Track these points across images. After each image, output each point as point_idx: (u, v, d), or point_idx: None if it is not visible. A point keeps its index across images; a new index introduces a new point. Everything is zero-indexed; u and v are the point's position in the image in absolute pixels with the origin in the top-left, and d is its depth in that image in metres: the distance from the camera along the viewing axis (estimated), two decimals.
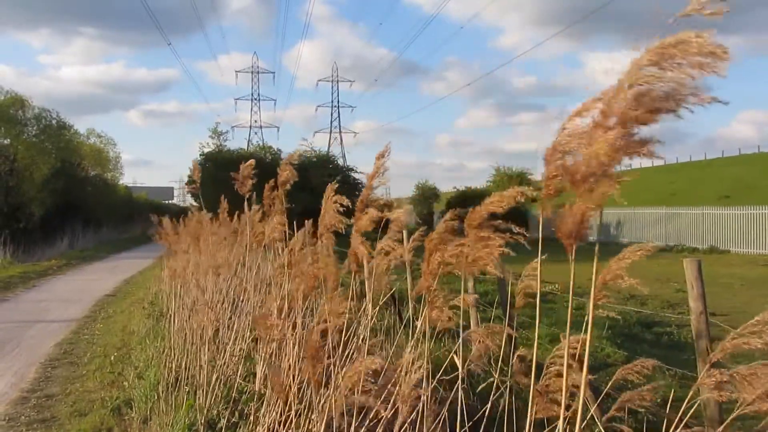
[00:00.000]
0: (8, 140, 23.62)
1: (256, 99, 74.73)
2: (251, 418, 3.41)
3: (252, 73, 74.99)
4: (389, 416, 2.36)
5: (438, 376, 2.48)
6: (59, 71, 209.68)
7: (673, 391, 2.19)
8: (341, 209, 3.12)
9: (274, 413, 2.99)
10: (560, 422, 1.82)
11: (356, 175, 30.74)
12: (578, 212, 1.58)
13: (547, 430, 2.15)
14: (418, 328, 2.49)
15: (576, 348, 1.97)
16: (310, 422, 2.77)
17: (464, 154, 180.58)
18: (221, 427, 3.67)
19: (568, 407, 1.82)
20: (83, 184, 29.64)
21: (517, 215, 2.24)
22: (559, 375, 1.89)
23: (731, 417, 1.53)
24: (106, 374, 5.86)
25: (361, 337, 3.22)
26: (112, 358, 6.44)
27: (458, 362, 2.35)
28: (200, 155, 30.07)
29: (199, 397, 4.05)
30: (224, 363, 4.31)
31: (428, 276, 2.17)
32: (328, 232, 3.15)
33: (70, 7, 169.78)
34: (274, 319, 3.11)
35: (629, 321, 8.21)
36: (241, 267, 5.47)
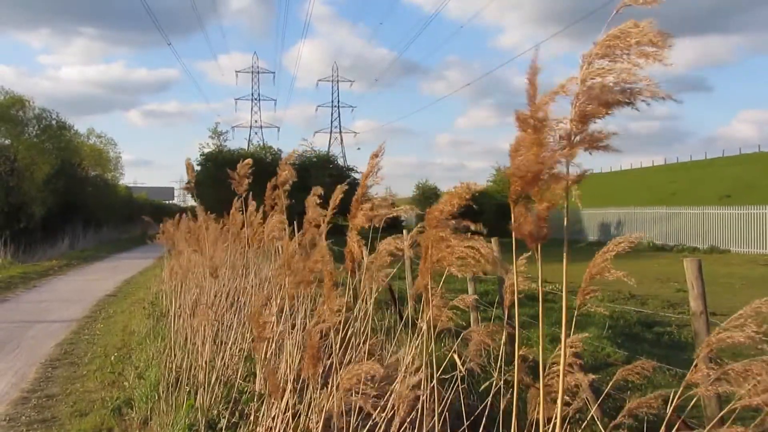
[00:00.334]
0: (9, 140, 23.64)
1: (256, 99, 74.80)
2: (251, 418, 3.41)
3: (252, 73, 75.05)
4: (389, 416, 2.36)
5: (437, 376, 2.47)
6: (59, 71, 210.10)
7: (673, 391, 2.19)
8: (331, 206, 3.13)
9: (274, 413, 2.98)
10: (558, 421, 1.82)
11: (356, 175, 30.78)
12: (533, 213, 1.58)
13: (547, 428, 2.15)
14: (417, 327, 2.49)
15: (575, 347, 1.97)
16: (309, 422, 2.77)
17: (464, 153, 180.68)
18: (221, 427, 3.67)
19: (568, 405, 1.82)
20: (84, 185, 29.66)
21: (473, 213, 2.24)
22: (557, 375, 1.90)
23: (725, 410, 1.53)
24: (107, 374, 5.86)
25: (361, 336, 3.22)
26: (113, 358, 6.45)
27: (458, 361, 2.35)
28: (200, 155, 30.15)
29: (199, 397, 4.05)
30: (224, 363, 4.32)
31: (425, 273, 2.17)
32: (313, 227, 3.16)
33: (70, 7, 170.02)
34: (268, 316, 3.10)
35: (630, 320, 8.21)
36: (241, 267, 5.47)
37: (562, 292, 1.64)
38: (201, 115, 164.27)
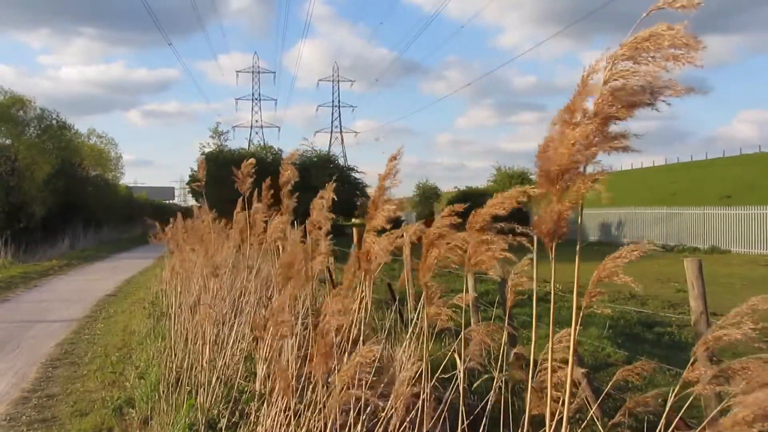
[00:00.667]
0: (9, 140, 23.65)
1: (256, 99, 74.88)
2: (252, 417, 3.42)
3: (252, 72, 75.13)
4: (388, 414, 2.36)
5: (437, 375, 2.48)
6: (59, 71, 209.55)
7: (672, 390, 2.19)
8: (332, 206, 3.14)
9: (274, 412, 2.99)
10: (547, 413, 1.82)
11: (357, 175, 30.77)
12: (555, 211, 1.58)
13: (550, 426, 2.15)
14: (416, 326, 2.49)
15: (569, 344, 1.97)
16: (310, 421, 2.77)
17: (465, 153, 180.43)
18: (222, 427, 3.67)
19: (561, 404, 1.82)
20: (84, 184, 29.66)
21: (521, 216, 2.21)
22: (552, 371, 1.90)
23: (720, 406, 1.53)
24: (107, 374, 5.87)
25: (361, 336, 3.22)
26: (113, 358, 6.45)
27: (458, 360, 2.35)
28: (201, 155, 30.10)
29: (199, 397, 4.05)
30: (225, 363, 4.32)
31: (426, 271, 2.17)
32: (317, 229, 3.17)
33: (69, 7, 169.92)
34: (276, 319, 3.11)
35: (630, 321, 8.21)
36: (244, 267, 5.47)
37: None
38: (201, 115, 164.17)
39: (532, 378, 2.12)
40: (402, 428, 2.30)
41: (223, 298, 5.18)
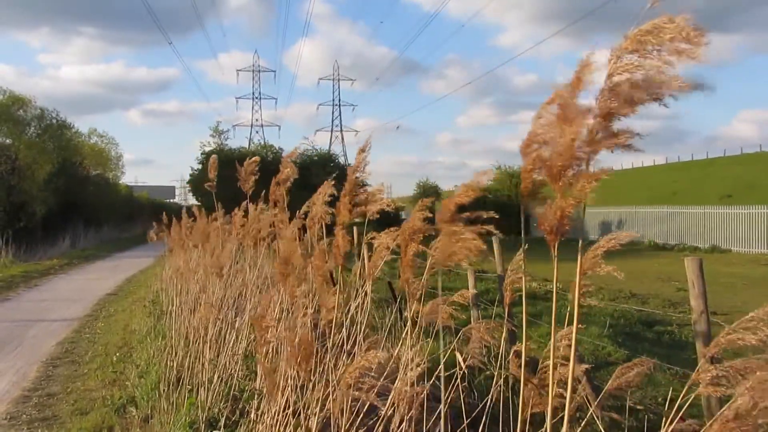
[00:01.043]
0: (10, 140, 23.65)
1: (257, 97, 74.89)
2: (252, 416, 3.42)
3: (253, 71, 75.12)
4: (389, 414, 2.36)
5: (436, 373, 2.47)
6: (59, 71, 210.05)
7: (672, 389, 2.19)
8: (321, 200, 3.14)
9: (273, 411, 2.99)
10: (548, 417, 1.82)
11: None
12: (558, 208, 1.57)
13: (551, 424, 2.15)
14: (414, 324, 2.49)
15: (570, 342, 1.97)
16: (308, 420, 2.77)
17: (465, 152, 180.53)
18: (222, 425, 3.67)
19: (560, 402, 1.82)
20: (84, 184, 29.65)
21: (487, 206, 2.20)
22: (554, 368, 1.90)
23: (723, 409, 1.52)
24: (108, 373, 5.87)
25: (360, 334, 3.22)
26: (114, 356, 6.46)
27: (459, 359, 2.35)
28: (201, 154, 30.14)
29: (200, 396, 4.05)
30: (225, 361, 4.32)
31: (406, 268, 2.16)
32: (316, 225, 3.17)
33: (69, 7, 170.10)
34: (269, 320, 3.10)
35: (630, 320, 8.21)
36: (241, 265, 5.47)
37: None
38: (201, 114, 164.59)
39: (534, 376, 2.12)
40: (401, 427, 2.30)
41: (224, 296, 5.18)
